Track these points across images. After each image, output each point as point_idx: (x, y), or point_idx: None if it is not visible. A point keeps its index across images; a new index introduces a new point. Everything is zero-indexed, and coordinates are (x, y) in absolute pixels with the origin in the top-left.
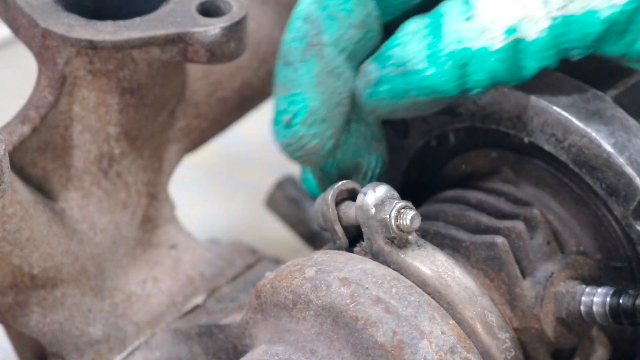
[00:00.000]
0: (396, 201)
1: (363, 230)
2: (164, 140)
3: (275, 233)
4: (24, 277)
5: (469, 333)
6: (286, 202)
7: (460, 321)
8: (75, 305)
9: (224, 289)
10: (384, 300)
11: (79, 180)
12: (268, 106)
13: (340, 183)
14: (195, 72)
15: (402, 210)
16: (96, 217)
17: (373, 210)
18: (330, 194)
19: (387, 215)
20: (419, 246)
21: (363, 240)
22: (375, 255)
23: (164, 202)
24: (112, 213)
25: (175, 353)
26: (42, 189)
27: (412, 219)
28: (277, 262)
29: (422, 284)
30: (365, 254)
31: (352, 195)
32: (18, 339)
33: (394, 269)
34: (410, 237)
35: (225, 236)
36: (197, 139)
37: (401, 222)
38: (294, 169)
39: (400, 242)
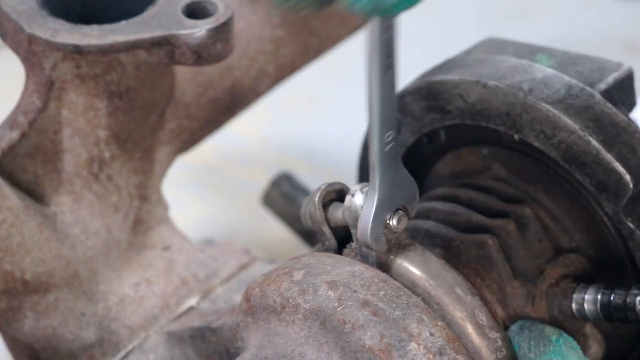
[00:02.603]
0: None
1: (352, 231)
2: (154, 142)
3: (273, 233)
4: (16, 283)
5: (460, 334)
6: (282, 199)
7: (450, 322)
8: (68, 310)
9: (218, 290)
10: (371, 303)
11: (69, 184)
12: (266, 106)
13: (327, 184)
14: (184, 73)
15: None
16: (88, 220)
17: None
18: (317, 196)
19: None
20: (408, 247)
21: (352, 241)
22: (365, 257)
23: (157, 203)
24: (103, 216)
25: (168, 356)
26: (33, 194)
27: (398, 220)
28: (271, 261)
29: (412, 284)
30: (355, 256)
31: (339, 196)
32: (13, 344)
33: (383, 270)
34: (400, 237)
35: (222, 236)
36: (189, 140)
37: (390, 223)
38: (292, 169)
39: (389, 243)
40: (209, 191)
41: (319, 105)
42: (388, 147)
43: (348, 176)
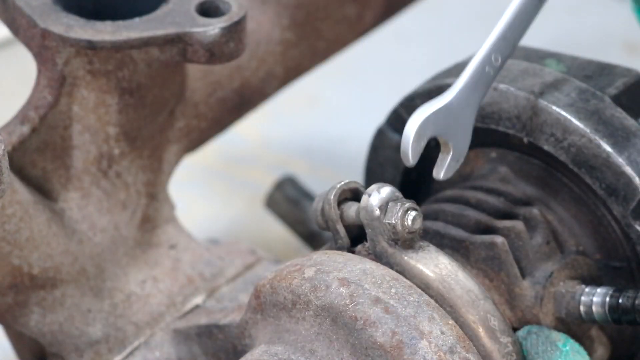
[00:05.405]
0: (401, 202)
1: (367, 231)
2: (163, 141)
3: (275, 233)
4: (24, 278)
5: (471, 337)
6: (285, 202)
7: (462, 325)
8: (74, 306)
9: (224, 289)
10: (383, 301)
11: (78, 181)
12: (268, 106)
13: (342, 182)
14: (194, 72)
15: (407, 212)
16: (96, 217)
17: (377, 212)
18: (333, 194)
19: (393, 217)
20: (422, 248)
21: (365, 241)
22: (379, 256)
23: (164, 202)
24: (111, 213)
25: (174, 353)
26: (42, 189)
27: (413, 220)
28: (276, 262)
29: (425, 286)
30: (368, 255)
31: (354, 195)
32: (18, 339)
33: (397, 270)
34: (414, 238)
35: (225, 236)
36: (197, 139)
37: (405, 223)
38: (294, 169)
39: (404, 243)
40: (209, 191)
41: (319, 105)
42: (488, 68)
43: (348, 176)
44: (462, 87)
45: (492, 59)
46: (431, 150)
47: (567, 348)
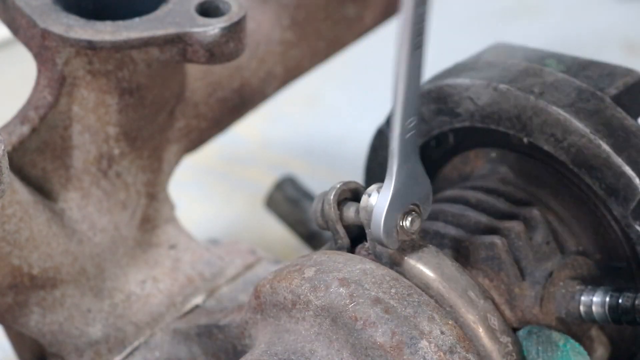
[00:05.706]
0: None
1: (367, 231)
2: (163, 141)
3: (275, 233)
4: (24, 278)
5: (471, 337)
6: (285, 202)
7: (462, 325)
8: (74, 306)
9: (224, 289)
10: (383, 301)
11: (78, 181)
12: (268, 106)
13: (342, 183)
14: (194, 72)
15: (405, 214)
16: (96, 217)
17: None
18: (333, 194)
19: None
20: (422, 248)
21: (365, 241)
22: (379, 257)
23: (164, 202)
24: (111, 213)
25: (174, 353)
26: (42, 190)
27: (411, 222)
28: (276, 262)
29: (425, 286)
30: (368, 255)
31: (354, 195)
32: (18, 339)
33: (397, 271)
34: (413, 239)
35: (225, 236)
36: (197, 139)
37: (404, 224)
38: (294, 169)
39: (403, 244)
40: (209, 191)
41: (319, 105)
42: (409, 134)
43: (348, 176)
44: (397, 167)
45: (407, 124)
46: (430, 150)
47: (567, 348)
